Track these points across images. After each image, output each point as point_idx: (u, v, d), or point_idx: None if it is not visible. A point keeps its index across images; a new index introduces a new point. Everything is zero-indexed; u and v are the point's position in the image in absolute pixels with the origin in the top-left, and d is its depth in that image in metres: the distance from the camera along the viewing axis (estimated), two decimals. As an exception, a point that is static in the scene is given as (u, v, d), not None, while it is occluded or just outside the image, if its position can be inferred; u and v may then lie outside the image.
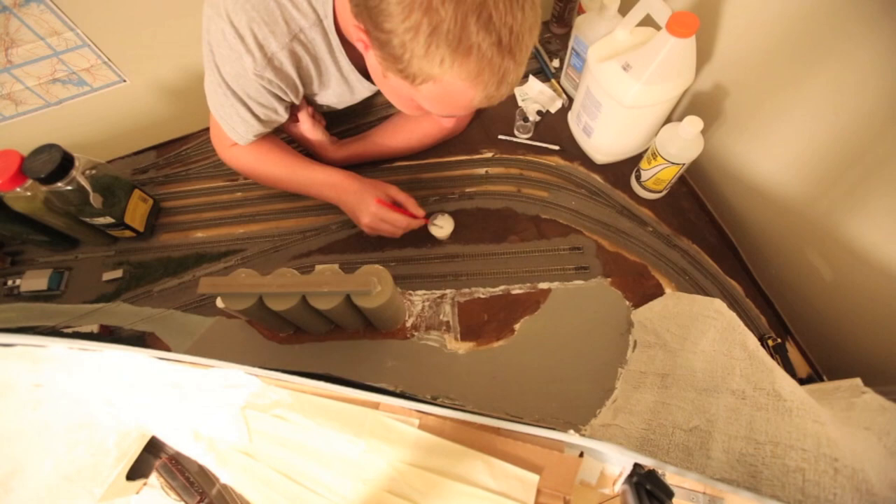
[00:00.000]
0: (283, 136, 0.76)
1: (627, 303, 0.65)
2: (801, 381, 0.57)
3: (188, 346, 0.65)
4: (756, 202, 0.67)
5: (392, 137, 0.76)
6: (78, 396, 0.48)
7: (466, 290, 0.67)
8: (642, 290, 0.66)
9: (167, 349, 0.64)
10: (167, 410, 0.47)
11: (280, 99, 0.60)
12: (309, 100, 0.69)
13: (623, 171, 0.76)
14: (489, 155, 0.79)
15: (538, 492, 0.40)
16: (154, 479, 0.48)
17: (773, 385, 0.44)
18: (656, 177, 0.68)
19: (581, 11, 0.80)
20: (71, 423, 0.48)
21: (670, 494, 0.36)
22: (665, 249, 0.70)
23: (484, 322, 0.65)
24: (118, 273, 0.71)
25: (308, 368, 0.61)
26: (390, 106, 0.84)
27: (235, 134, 0.62)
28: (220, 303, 0.57)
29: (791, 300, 0.65)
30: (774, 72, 0.58)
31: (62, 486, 0.46)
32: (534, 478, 0.40)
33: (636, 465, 0.39)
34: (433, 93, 0.45)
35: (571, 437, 0.41)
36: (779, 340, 0.62)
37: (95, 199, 0.63)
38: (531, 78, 0.85)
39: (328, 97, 0.67)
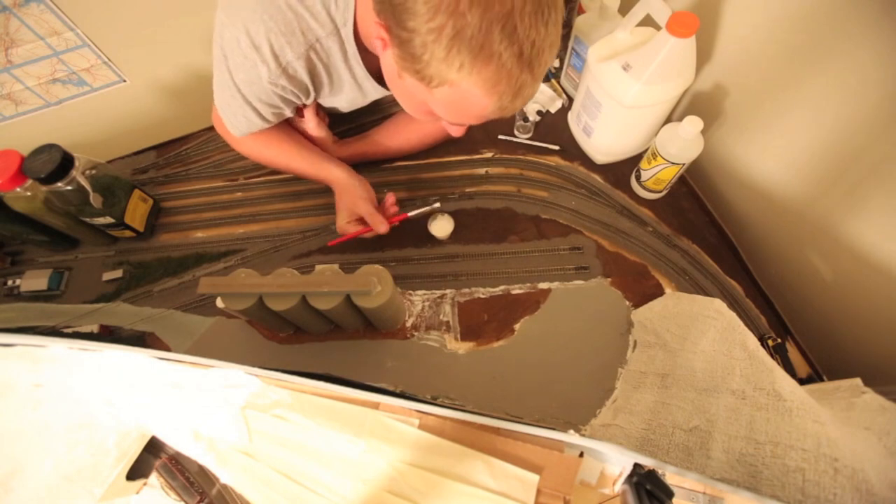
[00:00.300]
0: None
1: (627, 303, 0.65)
2: (801, 381, 0.57)
3: (188, 346, 0.65)
4: (756, 202, 0.67)
5: (393, 137, 0.76)
6: (78, 396, 0.48)
7: (466, 290, 0.67)
8: (642, 290, 0.66)
9: (167, 349, 0.64)
10: (167, 410, 0.47)
11: (290, 102, 0.60)
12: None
13: (623, 171, 0.76)
14: (489, 155, 0.79)
15: (538, 492, 0.40)
16: (154, 479, 0.48)
17: (773, 385, 0.44)
18: (656, 177, 0.68)
19: (581, 11, 0.80)
20: (71, 423, 0.48)
21: (670, 494, 0.36)
22: (665, 249, 0.70)
23: (484, 322, 0.65)
24: (118, 273, 0.71)
25: (308, 368, 0.61)
26: (393, 105, 0.84)
27: (235, 129, 0.63)
28: (220, 303, 0.57)
29: (791, 300, 0.65)
30: (775, 72, 0.58)
31: (62, 486, 0.46)
32: (534, 478, 0.40)
33: (636, 465, 0.39)
34: (448, 98, 0.45)
35: (571, 437, 0.41)
36: (779, 340, 0.62)
37: (95, 199, 0.63)
38: (531, 78, 0.85)
39: (339, 101, 0.67)
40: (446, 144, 0.79)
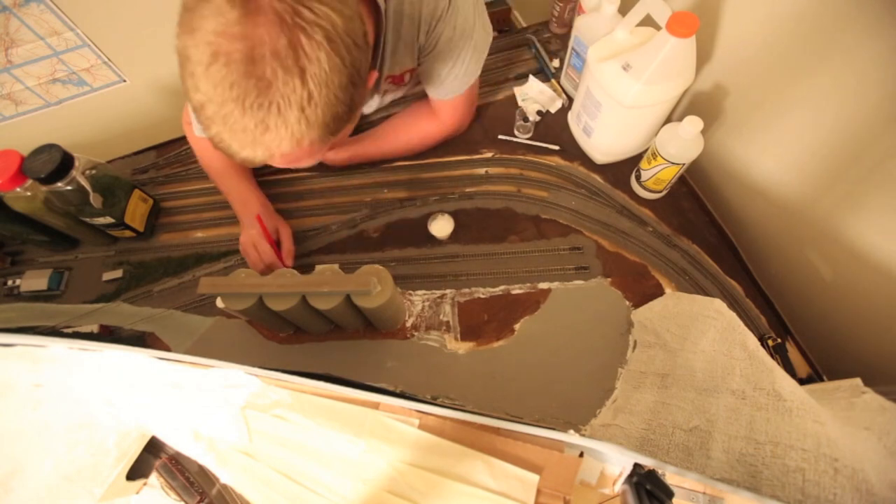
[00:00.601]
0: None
1: (627, 303, 0.65)
2: (801, 381, 0.57)
3: (188, 346, 0.65)
4: (756, 202, 0.67)
5: (392, 138, 0.76)
6: (78, 396, 0.48)
7: (466, 290, 0.67)
8: (642, 290, 0.66)
9: (167, 349, 0.64)
10: (167, 410, 0.47)
11: None
12: None
13: (623, 171, 0.76)
14: (489, 155, 0.79)
15: (538, 492, 0.40)
16: (154, 479, 0.48)
17: (773, 385, 0.44)
18: (656, 177, 0.68)
19: (581, 11, 0.80)
20: (71, 423, 0.48)
21: (670, 494, 0.36)
22: (665, 249, 0.70)
23: (484, 322, 0.65)
24: (118, 273, 0.71)
25: (308, 368, 0.61)
26: (390, 107, 0.84)
27: (197, 128, 0.65)
28: (220, 303, 0.57)
29: (791, 300, 0.65)
30: (775, 71, 0.58)
31: (62, 486, 0.46)
32: (534, 478, 0.40)
33: (636, 465, 0.39)
34: None
35: (571, 437, 0.41)
36: (779, 340, 0.62)
37: (95, 199, 0.63)
38: (531, 78, 0.85)
39: None
40: (446, 144, 0.79)
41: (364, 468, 0.42)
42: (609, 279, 0.67)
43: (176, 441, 0.47)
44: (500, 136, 0.81)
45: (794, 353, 0.63)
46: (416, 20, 0.56)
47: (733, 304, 0.65)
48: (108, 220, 0.67)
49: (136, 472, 0.48)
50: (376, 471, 0.42)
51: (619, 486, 0.41)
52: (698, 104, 0.72)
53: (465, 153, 0.80)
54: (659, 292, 0.66)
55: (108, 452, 0.47)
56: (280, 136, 0.38)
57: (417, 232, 0.71)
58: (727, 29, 0.63)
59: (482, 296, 0.67)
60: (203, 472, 0.48)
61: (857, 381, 0.47)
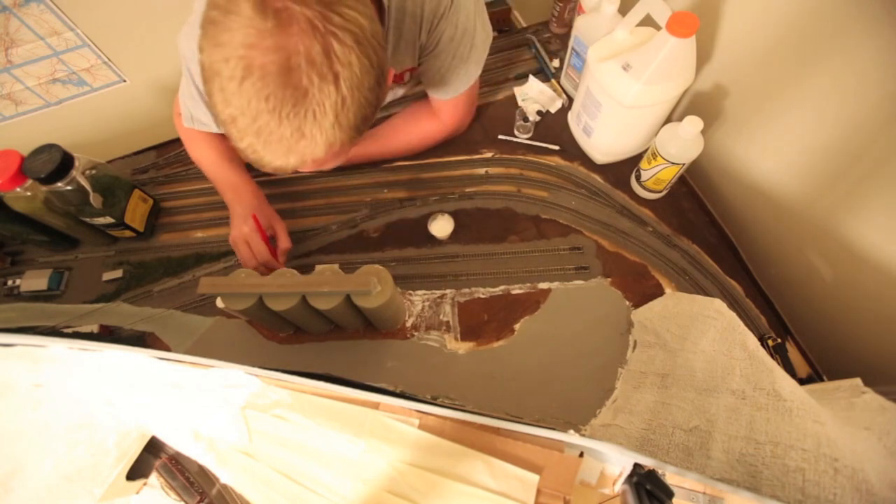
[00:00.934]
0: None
1: (627, 303, 0.65)
2: (801, 381, 0.57)
3: (188, 346, 0.65)
4: (756, 202, 0.67)
5: (393, 138, 0.76)
6: (78, 396, 0.48)
7: (466, 290, 0.67)
8: (642, 290, 0.66)
9: (167, 349, 0.64)
10: (167, 410, 0.47)
11: None
12: None
13: (623, 171, 0.76)
14: (489, 155, 0.79)
15: (538, 492, 0.40)
16: (154, 479, 0.48)
17: (773, 385, 0.44)
18: (656, 177, 0.68)
19: (581, 11, 0.80)
20: (71, 423, 0.48)
21: (670, 494, 0.36)
22: (665, 249, 0.70)
23: (484, 322, 0.65)
24: (118, 273, 0.71)
25: (308, 368, 0.61)
26: (391, 106, 0.84)
27: (189, 121, 0.65)
28: (220, 303, 0.57)
29: (791, 300, 0.65)
30: (775, 71, 0.58)
31: (62, 486, 0.46)
32: (534, 478, 0.40)
33: (636, 465, 0.39)
34: None
35: (571, 437, 0.41)
36: (779, 340, 0.62)
37: (95, 199, 0.63)
38: (531, 78, 0.85)
39: None
40: (446, 144, 0.79)
41: (364, 468, 0.42)
42: (609, 279, 0.67)
43: (176, 441, 0.47)
44: (500, 136, 0.81)
45: (794, 353, 0.63)
46: (419, 18, 0.56)
47: (733, 304, 0.65)
48: (108, 220, 0.67)
49: (136, 472, 0.48)
50: (376, 471, 0.42)
51: (619, 486, 0.41)
52: (698, 104, 0.72)
53: (465, 153, 0.80)
54: (659, 292, 0.66)
55: (108, 452, 0.47)
56: (315, 142, 0.39)
57: (417, 232, 0.71)
58: (727, 29, 0.63)
59: (482, 296, 0.67)
60: (203, 472, 0.48)
61: (857, 381, 0.47)
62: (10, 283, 0.70)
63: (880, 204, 0.50)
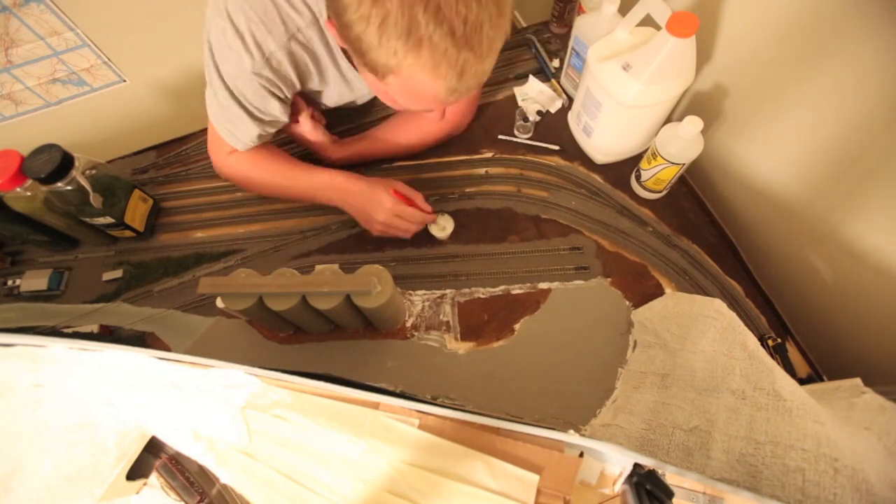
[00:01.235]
0: (281, 137, 0.75)
1: (627, 303, 0.65)
2: (801, 381, 0.57)
3: (188, 346, 0.65)
4: (756, 202, 0.67)
5: (393, 137, 0.76)
6: (78, 396, 0.48)
7: (466, 290, 0.67)
8: (642, 290, 0.66)
9: (167, 349, 0.64)
10: (167, 410, 0.47)
11: (279, 99, 0.59)
12: (310, 99, 0.69)
13: (623, 171, 0.76)
14: (489, 155, 0.79)
15: (538, 492, 0.40)
16: (154, 479, 0.48)
17: (773, 385, 0.44)
18: (656, 177, 0.68)
19: (581, 11, 0.80)
20: (71, 423, 0.48)
21: (670, 494, 0.36)
22: (665, 249, 0.70)
23: (484, 322, 0.65)
24: (118, 273, 0.71)
25: (308, 368, 0.61)
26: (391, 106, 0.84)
27: (234, 139, 0.62)
28: (220, 303, 0.57)
29: (791, 300, 0.65)
30: (775, 71, 0.58)
31: (62, 486, 0.46)
32: (534, 478, 0.40)
33: (636, 465, 0.39)
34: (398, 86, 0.45)
35: (571, 437, 0.41)
36: (779, 340, 0.62)
37: (95, 199, 0.63)
38: (531, 78, 0.85)
39: (330, 96, 0.67)
40: (446, 144, 0.79)
41: (364, 468, 0.42)
42: (609, 279, 0.67)
43: (176, 441, 0.47)
44: (500, 136, 0.81)
45: (794, 353, 0.63)
46: None
47: (733, 304, 0.65)
48: (108, 220, 0.67)
49: (136, 472, 0.48)
50: (376, 471, 0.42)
51: (619, 486, 0.41)
52: (698, 104, 0.72)
53: (465, 153, 0.80)
54: (659, 292, 0.66)
55: (108, 452, 0.47)
56: (486, 67, 0.43)
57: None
58: (727, 29, 0.63)
59: (482, 296, 0.67)
60: (203, 472, 0.48)
61: (857, 381, 0.47)
62: (10, 283, 0.70)
63: (880, 204, 0.50)
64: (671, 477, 0.40)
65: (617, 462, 0.41)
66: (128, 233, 0.71)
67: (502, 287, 0.67)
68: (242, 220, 0.75)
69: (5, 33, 0.79)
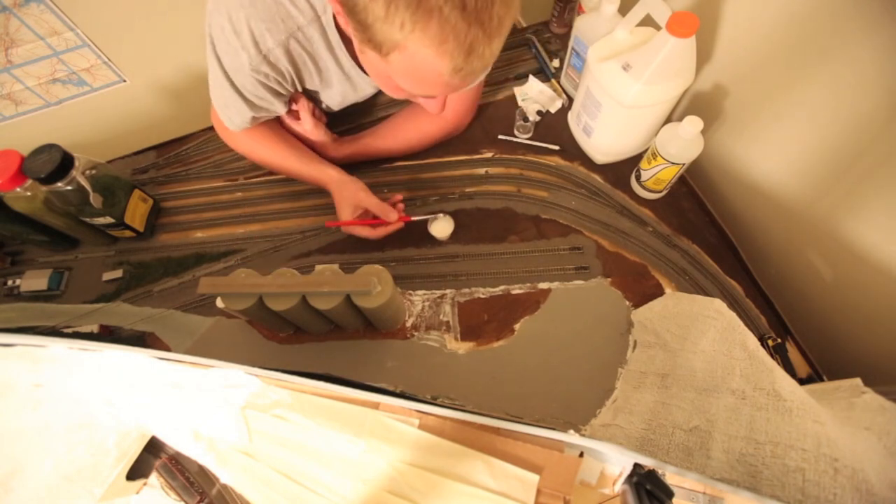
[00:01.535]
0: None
1: (627, 303, 0.65)
2: (801, 381, 0.57)
3: (188, 346, 0.65)
4: (756, 202, 0.67)
5: (392, 136, 0.76)
6: (78, 396, 0.48)
7: (466, 290, 0.67)
8: (642, 290, 0.66)
9: (167, 349, 0.64)
10: (167, 410, 0.47)
11: (277, 93, 0.60)
12: (311, 98, 0.69)
13: (623, 171, 0.76)
14: (489, 155, 0.79)
15: (538, 492, 0.40)
16: (154, 479, 0.48)
17: (773, 385, 0.44)
18: (656, 177, 0.68)
19: (581, 11, 0.80)
20: (71, 423, 0.48)
21: (670, 494, 0.36)
22: (665, 249, 0.70)
23: (484, 322, 0.65)
24: (118, 273, 0.71)
25: (308, 368, 0.61)
26: (391, 106, 0.84)
27: (229, 120, 0.64)
28: (220, 303, 0.57)
29: (791, 300, 0.65)
30: (775, 72, 0.58)
31: (62, 486, 0.46)
32: (534, 478, 0.40)
33: (636, 465, 0.39)
34: (402, 65, 0.44)
35: (571, 437, 0.41)
36: (779, 340, 0.62)
37: (95, 199, 0.63)
38: (531, 78, 0.85)
39: (332, 96, 0.67)
40: (446, 144, 0.79)
41: (364, 468, 0.42)
42: (609, 279, 0.67)
43: (176, 441, 0.47)
44: (500, 136, 0.81)
45: (794, 353, 0.63)
46: None
47: (733, 304, 0.65)
48: (108, 220, 0.67)
49: (136, 472, 0.48)
50: (376, 471, 0.42)
51: (619, 486, 0.41)
52: (698, 104, 0.72)
53: (465, 153, 0.80)
54: (659, 292, 0.66)
55: (108, 452, 0.47)
56: (494, 49, 0.42)
57: (417, 232, 0.71)
58: (727, 29, 0.63)
59: (482, 296, 0.67)
60: (203, 472, 0.48)
61: (857, 381, 0.47)
62: (10, 283, 0.70)
63: (880, 204, 0.50)
64: (671, 477, 0.40)
65: (617, 462, 0.41)
66: (128, 233, 0.71)
67: (502, 287, 0.67)
68: (242, 220, 0.75)
69: (5, 33, 0.79)
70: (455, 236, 0.71)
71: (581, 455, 0.41)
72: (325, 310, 0.52)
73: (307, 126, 0.69)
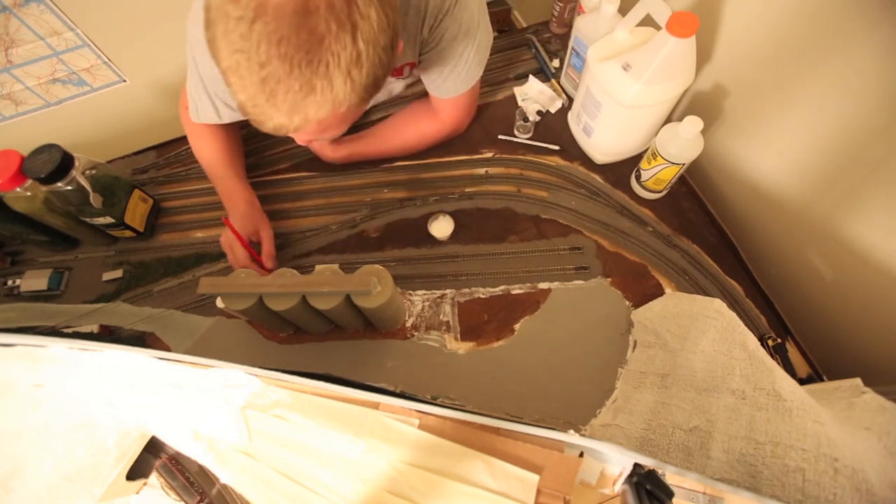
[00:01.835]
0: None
1: (627, 303, 0.65)
2: (801, 381, 0.57)
3: (188, 346, 0.65)
4: (756, 202, 0.67)
5: (391, 137, 0.76)
6: (78, 396, 0.48)
7: (466, 290, 0.67)
8: (642, 290, 0.66)
9: (167, 349, 0.64)
10: (167, 410, 0.47)
11: None
12: None
13: (623, 171, 0.76)
14: (489, 155, 0.79)
15: (538, 492, 0.40)
16: (154, 479, 0.48)
17: (773, 385, 0.44)
18: (656, 177, 0.68)
19: (581, 11, 0.80)
20: (71, 423, 0.48)
21: (670, 494, 0.36)
22: (665, 249, 0.70)
23: (484, 322, 0.65)
24: (118, 273, 0.71)
25: (308, 368, 0.61)
26: (390, 106, 0.84)
27: (195, 113, 0.64)
28: (220, 303, 0.58)
29: (791, 300, 0.65)
30: (775, 71, 0.58)
31: (62, 486, 0.46)
32: (534, 478, 0.40)
33: (636, 465, 0.39)
34: None
35: (571, 437, 0.41)
36: (779, 340, 0.62)
37: (95, 199, 0.63)
38: (531, 78, 0.85)
39: None
40: (446, 144, 0.79)
41: (364, 468, 0.42)
42: (609, 279, 0.67)
43: (176, 441, 0.47)
44: (500, 136, 0.81)
45: (794, 353, 0.63)
46: (422, 12, 0.55)
47: (733, 304, 0.65)
48: (108, 220, 0.67)
49: (136, 472, 0.48)
50: (376, 471, 0.42)
51: (619, 486, 0.41)
52: (698, 104, 0.72)
53: (465, 153, 0.80)
54: (659, 292, 0.66)
55: (108, 452, 0.47)
56: (324, 98, 0.36)
57: (417, 232, 0.71)
58: (727, 29, 0.63)
59: (482, 296, 0.67)
60: (203, 472, 0.48)
61: (857, 381, 0.47)
62: (10, 283, 0.70)
63: (880, 204, 0.50)
64: (671, 477, 0.40)
65: (617, 462, 0.41)
66: (128, 233, 0.71)
67: (502, 287, 0.67)
68: (242, 220, 0.75)
69: (5, 33, 0.79)
70: (455, 236, 0.71)
71: (581, 455, 0.41)
72: (325, 310, 0.52)
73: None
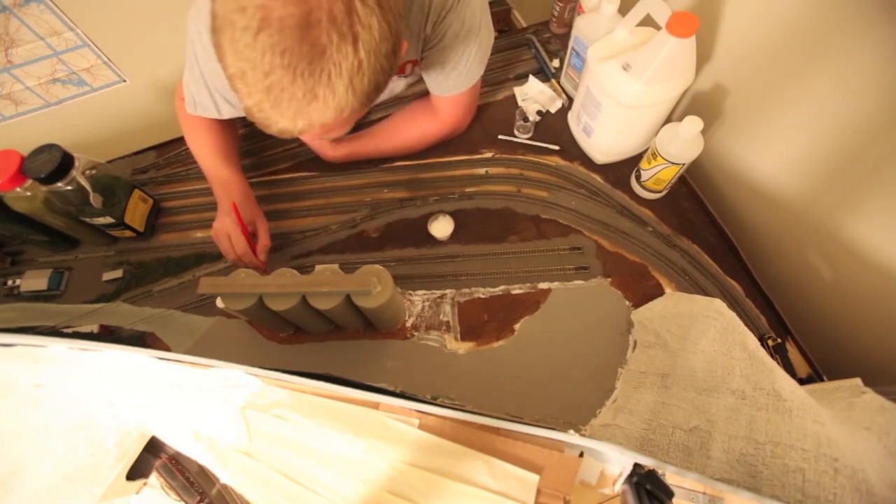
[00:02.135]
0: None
1: (627, 303, 0.65)
2: (801, 381, 0.57)
3: (188, 346, 0.65)
4: (756, 202, 0.67)
5: (391, 136, 0.76)
6: (78, 396, 0.48)
7: (466, 290, 0.67)
8: (642, 290, 0.66)
9: (167, 349, 0.64)
10: (167, 410, 0.47)
11: None
12: None
13: (623, 171, 0.76)
14: (489, 155, 0.79)
15: (538, 492, 0.40)
16: (154, 479, 0.48)
17: (773, 385, 0.44)
18: (656, 177, 0.68)
19: (581, 11, 0.80)
20: (71, 423, 0.48)
21: (670, 494, 0.36)
22: (665, 249, 0.70)
23: (484, 322, 0.65)
24: (118, 273, 0.71)
25: (308, 368, 0.61)
26: (390, 106, 0.84)
27: (192, 104, 0.64)
28: (220, 303, 0.57)
29: (791, 300, 0.65)
30: (775, 71, 0.58)
31: (62, 486, 0.46)
32: (534, 478, 0.40)
33: (636, 465, 0.39)
34: None
35: (571, 437, 0.41)
36: (779, 340, 0.62)
37: (95, 199, 0.63)
38: (531, 78, 0.85)
39: None
40: (446, 144, 0.79)
41: (364, 468, 0.42)
42: (609, 279, 0.67)
43: (176, 441, 0.47)
44: (500, 136, 0.81)
45: (794, 353, 0.63)
46: (426, 9, 0.55)
47: (733, 304, 0.65)
48: (108, 220, 0.67)
49: (136, 472, 0.48)
50: (376, 471, 0.42)
51: (619, 486, 0.41)
52: (698, 104, 0.72)
53: (465, 153, 0.80)
54: (659, 292, 0.66)
55: (108, 452, 0.47)
56: (326, 105, 0.38)
57: (417, 232, 0.71)
58: (727, 29, 0.63)
59: (482, 296, 0.67)
60: (203, 472, 0.48)
61: (857, 381, 0.47)
62: (10, 283, 0.70)
63: (880, 204, 0.50)
64: (671, 477, 0.40)
65: (617, 462, 0.41)
66: (128, 233, 0.71)
67: (502, 287, 0.67)
68: (242, 220, 0.75)
69: (5, 33, 0.79)
70: (455, 236, 0.71)
71: (581, 455, 0.41)
72: (325, 310, 0.52)
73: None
